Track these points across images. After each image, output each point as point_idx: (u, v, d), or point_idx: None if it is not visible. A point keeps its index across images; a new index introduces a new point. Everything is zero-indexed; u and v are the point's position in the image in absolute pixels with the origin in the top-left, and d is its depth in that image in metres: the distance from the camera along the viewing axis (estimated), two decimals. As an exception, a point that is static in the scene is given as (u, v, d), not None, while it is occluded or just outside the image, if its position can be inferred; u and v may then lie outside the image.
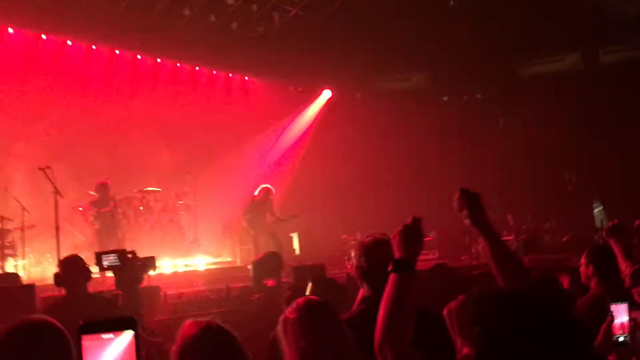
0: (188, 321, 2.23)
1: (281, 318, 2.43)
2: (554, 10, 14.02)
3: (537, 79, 16.01)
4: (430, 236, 13.51)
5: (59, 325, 1.93)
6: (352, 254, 4.90)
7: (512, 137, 15.25)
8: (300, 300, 2.48)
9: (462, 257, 12.23)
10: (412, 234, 2.36)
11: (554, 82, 15.40)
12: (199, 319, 2.26)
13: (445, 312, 3.47)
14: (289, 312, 2.42)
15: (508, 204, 13.55)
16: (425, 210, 14.02)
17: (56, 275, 4.48)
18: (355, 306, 3.51)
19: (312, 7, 14.57)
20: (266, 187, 11.11)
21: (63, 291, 4.67)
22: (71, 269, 4.41)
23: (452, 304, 3.34)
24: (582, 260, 4.04)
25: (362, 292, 2.98)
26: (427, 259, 12.96)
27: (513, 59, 16.02)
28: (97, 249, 10.36)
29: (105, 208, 10.25)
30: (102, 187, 10.12)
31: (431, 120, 15.34)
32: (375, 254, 2.82)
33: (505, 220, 13.17)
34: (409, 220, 2.42)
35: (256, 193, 11.01)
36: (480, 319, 1.84)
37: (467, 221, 2.59)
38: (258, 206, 10.72)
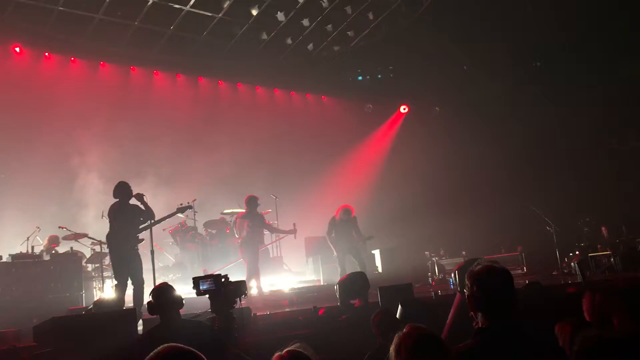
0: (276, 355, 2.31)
1: (396, 340, 2.43)
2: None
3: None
4: (517, 251, 13.07)
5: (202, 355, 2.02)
6: (453, 276, 4.69)
7: (603, 146, 14.40)
8: (414, 328, 2.46)
9: (553, 273, 11.69)
10: None
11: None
12: (290, 347, 2.34)
13: (557, 328, 3.34)
14: (403, 337, 2.41)
15: (602, 216, 12.85)
16: (510, 224, 13.57)
17: (149, 304, 4.64)
18: (445, 328, 3.38)
19: (386, 23, 14.61)
20: (345, 207, 11.07)
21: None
22: (162, 298, 4.57)
23: (567, 326, 3.23)
24: None
25: (477, 322, 2.87)
26: (514, 274, 12.54)
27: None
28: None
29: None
30: (252, 201, 10.44)
31: (517, 132, 14.81)
32: (488, 283, 2.70)
33: (599, 233, 12.49)
34: None
35: (336, 213, 11.00)
36: None
37: None
38: (340, 225, 10.70)
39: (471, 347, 2.62)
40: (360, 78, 16.91)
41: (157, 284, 7.98)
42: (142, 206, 7.99)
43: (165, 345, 2.01)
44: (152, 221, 8.12)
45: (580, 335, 2.11)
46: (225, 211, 12.53)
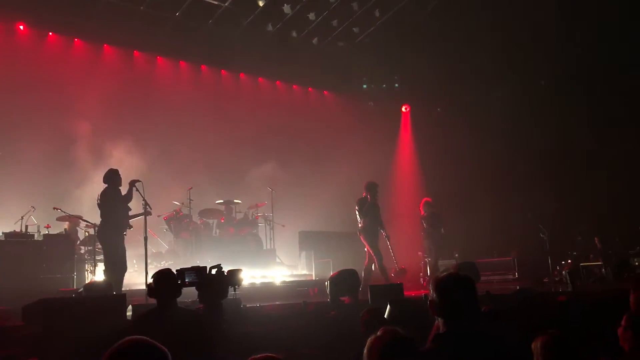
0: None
1: (368, 344, 2.43)
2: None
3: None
4: (510, 256, 13.09)
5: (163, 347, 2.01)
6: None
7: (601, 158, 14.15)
8: (387, 331, 2.46)
9: (544, 280, 11.72)
10: None
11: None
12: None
13: (532, 346, 3.34)
14: (375, 340, 2.42)
15: (595, 227, 12.83)
16: (506, 228, 13.48)
17: (149, 287, 4.67)
18: (429, 341, 3.43)
19: (392, 21, 14.59)
20: (426, 200, 12.13)
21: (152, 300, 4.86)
22: (163, 283, 4.58)
23: (541, 340, 3.22)
24: None
25: (437, 326, 2.91)
26: (505, 279, 12.60)
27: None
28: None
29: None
30: (370, 186, 10.29)
31: (515, 135, 14.71)
32: (448, 290, 2.75)
33: (593, 244, 12.49)
34: None
35: (421, 209, 12.00)
36: None
37: None
38: (428, 219, 11.78)
39: (427, 351, 2.64)
40: (365, 86, 17.02)
41: (149, 269, 8.11)
42: (134, 193, 8.13)
43: (130, 337, 2.00)
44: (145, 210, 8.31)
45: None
46: (219, 201, 12.53)
